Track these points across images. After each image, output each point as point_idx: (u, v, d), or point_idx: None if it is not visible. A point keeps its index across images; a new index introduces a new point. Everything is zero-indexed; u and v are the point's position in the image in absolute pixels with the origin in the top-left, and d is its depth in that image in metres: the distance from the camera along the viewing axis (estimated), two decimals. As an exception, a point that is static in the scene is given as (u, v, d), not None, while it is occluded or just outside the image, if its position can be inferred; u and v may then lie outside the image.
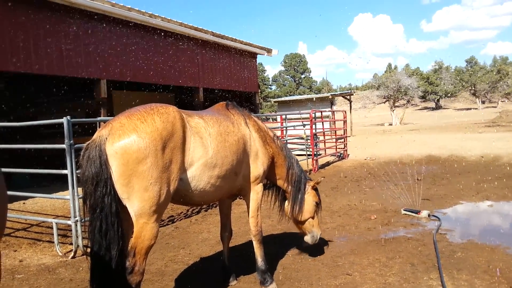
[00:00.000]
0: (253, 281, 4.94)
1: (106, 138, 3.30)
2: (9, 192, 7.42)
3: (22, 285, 5.18)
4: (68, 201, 6.25)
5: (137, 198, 3.28)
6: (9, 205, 9.73)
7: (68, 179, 6.11)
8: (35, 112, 16.18)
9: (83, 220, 6.21)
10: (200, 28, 16.35)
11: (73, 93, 14.67)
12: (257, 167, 4.57)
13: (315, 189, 5.39)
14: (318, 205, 5.37)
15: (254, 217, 4.67)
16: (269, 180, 5.19)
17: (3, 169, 6.73)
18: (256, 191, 4.63)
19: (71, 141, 6.08)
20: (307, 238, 5.31)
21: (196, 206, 4.41)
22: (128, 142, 3.25)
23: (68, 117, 6.13)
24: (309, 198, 5.26)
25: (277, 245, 6.25)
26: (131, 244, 3.39)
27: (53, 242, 6.60)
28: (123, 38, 13.03)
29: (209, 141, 3.89)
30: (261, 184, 4.70)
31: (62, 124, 6.17)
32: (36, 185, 12.08)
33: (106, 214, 3.26)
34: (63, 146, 6.11)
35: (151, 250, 6.31)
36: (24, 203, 10.12)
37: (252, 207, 4.65)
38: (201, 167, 3.79)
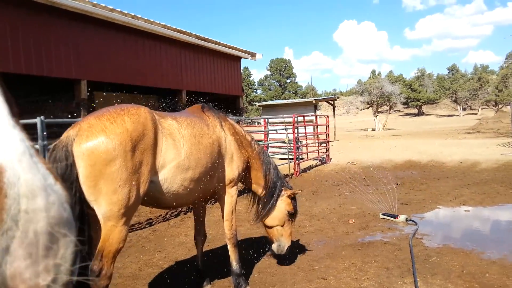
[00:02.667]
0: (227, 285, 4.89)
1: (74, 139, 3.21)
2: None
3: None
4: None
5: (105, 201, 3.21)
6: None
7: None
8: (16, 112, 15.84)
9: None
10: (184, 30, 16.29)
11: (54, 94, 14.43)
12: (232, 170, 4.53)
13: (292, 198, 5.29)
14: (291, 215, 5.23)
15: (229, 221, 4.63)
16: (244, 184, 5.15)
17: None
18: (230, 194, 4.59)
19: (45, 142, 5.96)
20: (273, 246, 5.21)
21: (169, 209, 4.36)
22: (96, 143, 3.17)
23: (42, 117, 6.00)
24: (281, 205, 5.15)
25: (254, 249, 6.20)
26: (99, 248, 3.30)
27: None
28: (105, 39, 12.90)
29: (182, 143, 3.83)
30: (235, 187, 4.66)
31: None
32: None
33: None
34: (36, 147, 5.98)
35: (126, 254, 6.25)
36: None
37: (227, 210, 4.61)
38: (174, 169, 3.73)
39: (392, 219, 7.70)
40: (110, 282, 3.33)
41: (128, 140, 3.29)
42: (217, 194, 4.61)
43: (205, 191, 4.28)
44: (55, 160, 3.19)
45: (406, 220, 7.60)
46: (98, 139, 3.18)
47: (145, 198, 3.62)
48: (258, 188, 5.10)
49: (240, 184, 4.95)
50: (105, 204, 3.21)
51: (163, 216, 8.66)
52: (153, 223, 8.21)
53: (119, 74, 13.42)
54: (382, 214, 7.97)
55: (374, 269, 5.26)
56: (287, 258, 5.77)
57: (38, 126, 5.97)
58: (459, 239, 6.53)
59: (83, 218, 3.24)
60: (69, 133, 3.28)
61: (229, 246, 4.73)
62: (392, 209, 8.30)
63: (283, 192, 5.20)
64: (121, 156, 3.22)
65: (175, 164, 3.73)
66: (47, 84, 13.67)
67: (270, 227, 5.17)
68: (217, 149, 4.27)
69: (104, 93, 16.01)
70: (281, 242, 5.16)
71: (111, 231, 3.27)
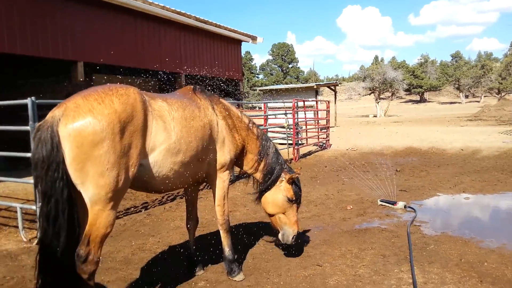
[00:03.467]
0: (220, 271, 4.80)
1: (59, 119, 3.07)
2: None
3: (-20, 272, 4.95)
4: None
5: (92, 184, 3.09)
6: (-22, 189, 9.41)
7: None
8: (16, 94, 15.65)
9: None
10: (183, 12, 15.97)
11: (53, 76, 14.19)
12: (223, 155, 4.40)
13: (292, 183, 4.92)
14: (292, 201, 4.86)
15: (221, 206, 4.51)
16: (240, 167, 5.02)
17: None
18: (222, 179, 4.47)
19: (36, 123, 5.81)
20: (279, 236, 4.93)
21: (159, 193, 4.23)
22: (83, 124, 3.03)
23: (33, 98, 5.86)
24: (277, 192, 4.85)
25: (250, 235, 6.11)
26: (86, 232, 3.19)
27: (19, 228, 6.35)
28: (102, 20, 12.64)
29: (172, 125, 3.69)
30: (227, 171, 4.53)
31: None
32: (13, 168, 11.66)
33: (56, 200, 3.07)
34: (27, 128, 5.85)
35: (120, 238, 6.17)
36: (-6, 186, 9.78)
37: (218, 195, 4.49)
38: (164, 152, 3.61)
39: (390, 205, 7.60)
40: (97, 267, 3.24)
41: (117, 122, 3.16)
42: (208, 179, 4.49)
43: (195, 175, 4.17)
44: (39, 140, 3.06)
45: (405, 207, 7.50)
46: (85, 119, 3.05)
47: (134, 182, 3.50)
48: (255, 172, 4.92)
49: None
50: (92, 187, 3.09)
51: (159, 200, 8.56)
52: (149, 207, 8.12)
53: (117, 56, 13.17)
54: (380, 201, 7.87)
55: (371, 257, 5.17)
56: (282, 244, 5.67)
57: (29, 107, 5.82)
58: (458, 227, 6.43)
59: (70, 201, 3.13)
60: (54, 113, 3.14)
61: (221, 232, 4.63)
62: (391, 196, 8.20)
63: (282, 176, 4.93)
64: (109, 138, 3.10)
65: (165, 147, 3.61)
66: (44, 66, 13.42)
67: (272, 215, 4.92)
68: (208, 132, 4.14)
69: (103, 76, 15.81)
70: (285, 231, 4.84)
71: (98, 215, 3.17)
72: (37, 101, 5.93)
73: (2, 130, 6.43)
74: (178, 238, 6.14)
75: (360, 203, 7.92)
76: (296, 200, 4.93)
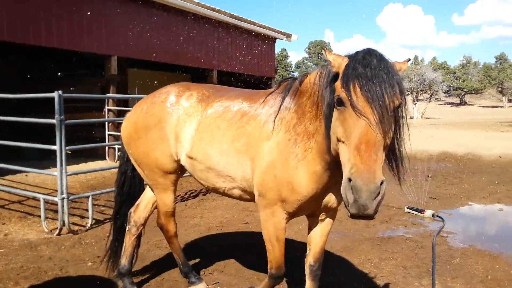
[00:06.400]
0: (233, 273, 4.71)
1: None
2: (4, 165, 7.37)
3: (0, 260, 5.07)
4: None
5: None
6: (12, 177, 9.73)
7: (57, 155, 5.96)
8: (53, 86, 16.08)
9: (70, 198, 6.13)
10: (218, 9, 15.99)
11: (89, 70, 14.50)
12: (264, 180, 3.12)
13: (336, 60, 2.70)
14: (342, 103, 2.41)
15: (269, 250, 3.40)
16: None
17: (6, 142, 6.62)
18: (266, 217, 3.24)
19: (62, 117, 5.90)
20: None
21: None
22: (123, 126, 4.09)
23: (60, 91, 5.95)
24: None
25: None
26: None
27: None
28: (137, 16, 12.81)
29: (193, 129, 3.57)
30: (273, 211, 3.16)
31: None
32: (44, 159, 11.97)
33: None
34: (53, 121, 5.94)
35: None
36: (26, 175, 10.08)
37: (264, 234, 3.35)
38: (186, 158, 3.66)
39: (417, 213, 7.30)
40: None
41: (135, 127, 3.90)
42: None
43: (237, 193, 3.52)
44: None
45: (433, 215, 7.18)
46: (124, 123, 4.10)
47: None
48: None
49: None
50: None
51: (182, 197, 8.57)
52: (171, 203, 8.13)
53: (150, 51, 13.33)
54: (407, 208, 7.57)
55: (391, 267, 4.96)
56: (298, 249, 5.52)
57: (56, 100, 5.91)
58: (488, 240, 6.09)
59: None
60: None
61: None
62: (420, 203, 7.88)
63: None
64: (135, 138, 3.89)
65: (187, 153, 3.62)
66: (84, 60, 13.67)
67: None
68: (242, 147, 3.27)
69: (139, 70, 16.02)
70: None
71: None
72: (64, 94, 6.03)
73: (30, 122, 6.56)
74: (195, 236, 6.10)
75: (386, 209, 7.64)
76: (347, 93, 2.37)
